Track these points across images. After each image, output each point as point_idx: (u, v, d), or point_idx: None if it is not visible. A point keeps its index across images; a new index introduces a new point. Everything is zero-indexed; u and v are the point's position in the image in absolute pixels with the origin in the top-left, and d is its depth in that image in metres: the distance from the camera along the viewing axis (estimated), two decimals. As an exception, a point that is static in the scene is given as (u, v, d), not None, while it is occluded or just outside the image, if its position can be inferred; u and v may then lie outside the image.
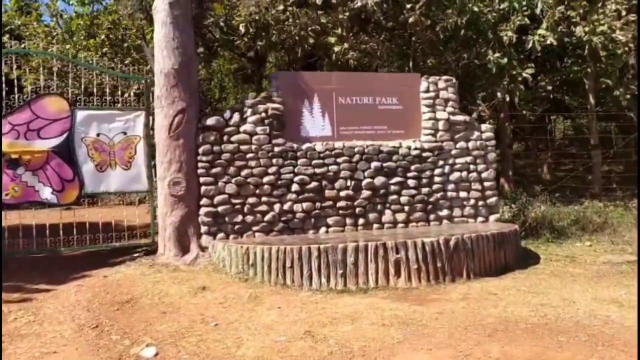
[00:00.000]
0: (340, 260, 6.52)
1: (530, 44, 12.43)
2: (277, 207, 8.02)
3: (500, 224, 8.67)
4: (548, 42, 12.24)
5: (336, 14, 12.75)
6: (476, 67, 13.73)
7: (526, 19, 12.28)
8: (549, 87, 13.99)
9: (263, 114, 8.07)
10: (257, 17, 12.15)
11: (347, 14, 12.96)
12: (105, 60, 13.10)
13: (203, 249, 7.68)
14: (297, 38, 12.52)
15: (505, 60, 12.47)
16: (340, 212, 8.30)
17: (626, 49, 12.26)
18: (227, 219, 7.83)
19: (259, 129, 8.03)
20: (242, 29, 12.12)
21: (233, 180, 7.85)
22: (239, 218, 7.87)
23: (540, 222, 9.46)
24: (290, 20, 12.23)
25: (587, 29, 12.00)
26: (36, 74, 11.92)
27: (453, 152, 8.85)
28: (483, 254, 7.01)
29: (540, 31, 12.39)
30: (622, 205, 12.42)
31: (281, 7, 12.56)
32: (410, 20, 11.96)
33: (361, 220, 8.39)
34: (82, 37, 16.05)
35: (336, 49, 12.54)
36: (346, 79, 8.72)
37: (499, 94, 13.35)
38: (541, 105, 14.09)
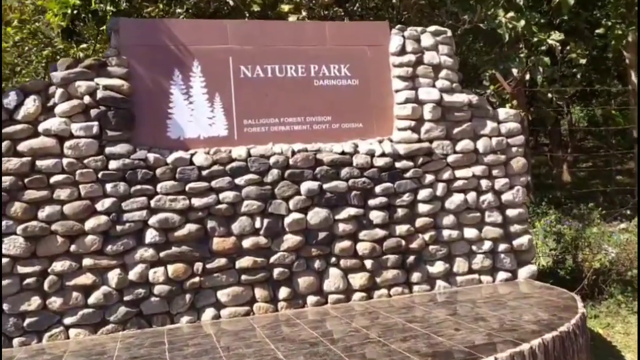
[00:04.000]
0: None
1: (559, -3, 8.67)
2: (114, 275, 4.17)
3: (543, 288, 4.81)
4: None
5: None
6: (482, 35, 9.95)
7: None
8: (582, 61, 10.11)
9: (87, 99, 4.23)
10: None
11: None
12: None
13: (-48, 371, 3.83)
14: (231, 4, 8.95)
15: (523, 22, 8.64)
16: (244, 277, 4.44)
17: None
18: (7, 305, 3.97)
19: (77, 126, 4.18)
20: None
21: (20, 229, 3.99)
22: (35, 302, 4.01)
23: (604, 271, 5.56)
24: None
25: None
26: None
27: (451, 158, 5.00)
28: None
29: (573, -23, 8.60)
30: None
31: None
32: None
33: (284, 292, 4.53)
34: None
35: (291, 19, 8.82)
36: (254, 31, 4.85)
37: (514, 71, 9.46)
38: (571, 85, 10.31)
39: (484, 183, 5.07)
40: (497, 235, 5.05)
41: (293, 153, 4.63)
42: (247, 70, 4.74)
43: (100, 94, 4.25)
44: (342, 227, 4.66)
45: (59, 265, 4.07)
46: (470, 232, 5.01)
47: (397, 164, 4.84)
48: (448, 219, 4.95)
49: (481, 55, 11.02)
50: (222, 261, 4.39)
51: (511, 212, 5.13)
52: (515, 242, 5.12)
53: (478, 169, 5.07)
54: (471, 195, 5.02)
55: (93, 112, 4.24)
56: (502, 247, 5.07)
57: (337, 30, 5.07)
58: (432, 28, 5.20)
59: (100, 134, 4.24)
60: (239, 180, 4.46)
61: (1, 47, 6.06)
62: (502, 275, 5.07)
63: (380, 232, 4.75)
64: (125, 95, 4.34)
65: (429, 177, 4.92)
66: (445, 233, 4.95)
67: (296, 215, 4.55)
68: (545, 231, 6.57)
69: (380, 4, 10.87)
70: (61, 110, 4.18)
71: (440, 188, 4.95)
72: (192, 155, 4.44)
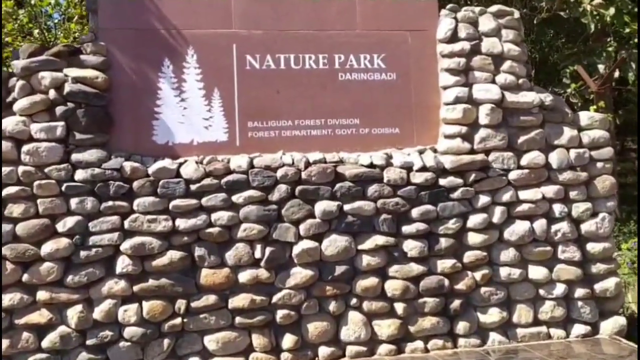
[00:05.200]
0: None
1: (661, -22, 7.30)
2: (74, 313, 3.38)
3: (634, 353, 3.62)
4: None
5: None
6: (562, 25, 8.66)
7: None
8: (684, 57, 8.59)
9: (53, 93, 3.46)
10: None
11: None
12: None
13: None
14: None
15: (612, 11, 7.36)
16: (239, 320, 3.54)
17: None
18: (-60, 346, 3.27)
19: (38, 126, 3.42)
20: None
21: (-41, 253, 3.28)
22: (-25, 343, 3.29)
23: None
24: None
25: None
26: None
27: (514, 175, 3.88)
28: None
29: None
30: None
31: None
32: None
33: (289, 340, 3.59)
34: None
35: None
36: (266, 12, 3.92)
37: (600, 67, 8.07)
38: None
39: (558, 208, 3.92)
40: (573, 276, 3.89)
41: (307, 164, 3.68)
42: (254, 61, 3.84)
43: (68, 87, 3.47)
44: (366, 259, 3.66)
45: (7, 299, 3.32)
46: (537, 272, 3.87)
47: (442, 181, 3.78)
48: (507, 254, 3.84)
49: (562, 50, 9.66)
50: (211, 298, 3.52)
51: (593, 247, 3.95)
52: (598, 287, 3.94)
53: (550, 190, 3.92)
54: (540, 224, 3.89)
55: (59, 109, 3.47)
56: (579, 292, 3.90)
57: (370, 10, 4.05)
58: (494, 8, 4.11)
59: (67, 137, 3.47)
60: (237, 198, 3.56)
61: (1, 41, 5.49)
62: (578, 329, 3.91)
63: (416, 268, 3.71)
64: (100, 90, 3.54)
65: (484, 199, 3.83)
66: (503, 271, 3.84)
67: (307, 244, 3.60)
68: (633, 257, 5.36)
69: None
70: (20, 107, 3.43)
71: (498, 213, 3.84)
72: (179, 165, 3.58)
